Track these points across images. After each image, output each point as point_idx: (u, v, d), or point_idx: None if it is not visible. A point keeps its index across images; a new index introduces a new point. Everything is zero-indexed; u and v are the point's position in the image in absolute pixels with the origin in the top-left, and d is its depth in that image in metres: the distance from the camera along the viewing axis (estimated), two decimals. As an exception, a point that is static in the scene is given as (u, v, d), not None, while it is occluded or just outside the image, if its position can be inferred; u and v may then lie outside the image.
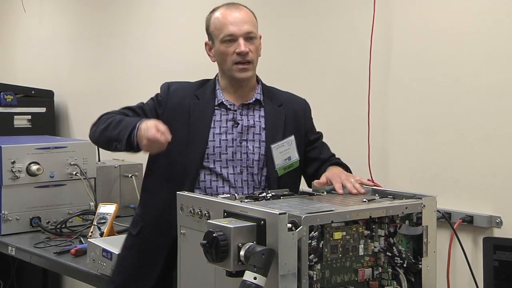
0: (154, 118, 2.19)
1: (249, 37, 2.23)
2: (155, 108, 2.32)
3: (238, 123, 2.27)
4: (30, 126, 4.49)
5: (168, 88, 2.35)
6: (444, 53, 2.58)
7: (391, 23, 2.75)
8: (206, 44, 2.34)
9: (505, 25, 2.40)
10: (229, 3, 2.31)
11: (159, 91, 2.37)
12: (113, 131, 2.21)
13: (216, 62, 2.32)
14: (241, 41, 2.21)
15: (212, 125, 2.26)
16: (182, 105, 2.27)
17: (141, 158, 3.65)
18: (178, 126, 2.22)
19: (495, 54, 2.43)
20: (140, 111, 2.33)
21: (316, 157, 2.36)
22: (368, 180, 2.18)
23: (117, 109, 2.37)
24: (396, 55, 2.75)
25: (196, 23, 3.66)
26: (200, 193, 2.19)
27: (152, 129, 2.05)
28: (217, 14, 2.28)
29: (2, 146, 3.21)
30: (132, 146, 2.14)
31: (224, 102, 2.29)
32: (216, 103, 2.29)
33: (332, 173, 2.17)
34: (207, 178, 2.24)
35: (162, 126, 2.06)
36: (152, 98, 2.37)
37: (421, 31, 2.66)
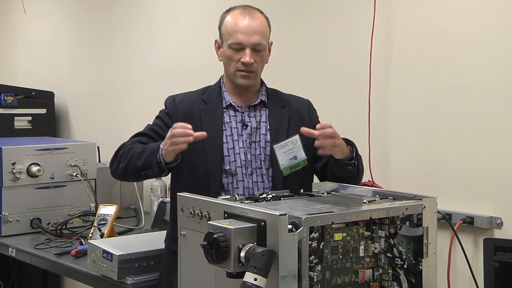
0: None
1: (257, 49, 2.24)
2: (165, 123, 2.32)
3: (247, 125, 2.29)
4: (31, 127, 4.49)
5: (173, 100, 2.37)
6: (444, 53, 2.58)
7: (391, 24, 2.75)
8: (216, 41, 2.35)
9: (505, 25, 2.40)
10: (245, 7, 2.30)
11: (163, 107, 2.38)
12: (138, 162, 2.22)
13: (222, 62, 2.34)
14: (248, 51, 2.22)
15: (223, 127, 2.28)
16: (192, 112, 2.29)
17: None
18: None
19: (495, 55, 2.43)
20: (152, 133, 2.34)
21: (323, 155, 2.34)
22: (369, 181, 2.18)
23: (130, 140, 2.36)
24: (397, 55, 2.75)
25: (196, 25, 3.68)
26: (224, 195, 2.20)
27: (168, 134, 2.11)
28: (230, 17, 2.28)
29: (2, 147, 3.21)
30: (161, 167, 2.17)
31: (233, 104, 2.31)
32: (224, 105, 2.31)
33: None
34: (223, 181, 2.25)
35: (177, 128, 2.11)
36: (158, 117, 2.38)
37: (421, 31, 2.66)
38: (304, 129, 2.14)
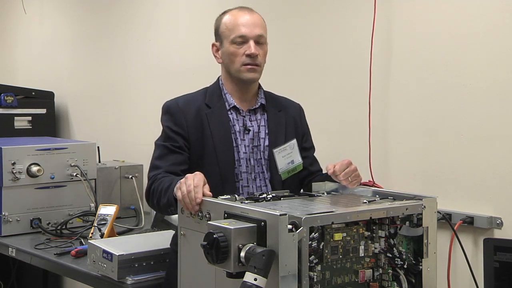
0: (185, 136, 2.21)
1: (260, 41, 2.25)
2: (178, 132, 2.24)
3: (249, 130, 2.29)
4: (31, 127, 4.49)
5: (177, 104, 2.30)
6: (444, 54, 2.58)
7: (391, 24, 2.75)
8: (213, 45, 2.34)
9: (505, 25, 2.40)
10: (241, 6, 2.32)
11: (165, 114, 2.30)
12: (164, 199, 2.09)
13: (221, 64, 2.33)
14: (252, 43, 2.22)
15: (231, 131, 2.27)
16: (199, 117, 2.26)
17: (142, 159, 3.67)
18: (202, 138, 2.23)
19: (495, 55, 2.43)
20: (173, 151, 2.24)
21: (305, 166, 2.35)
22: (369, 181, 2.18)
23: (157, 171, 2.22)
24: (397, 55, 2.75)
25: (196, 25, 3.69)
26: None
27: (180, 188, 1.92)
28: (229, 15, 2.29)
29: (2, 147, 3.20)
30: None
31: (237, 106, 2.30)
32: (228, 107, 2.30)
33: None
34: (236, 185, 2.24)
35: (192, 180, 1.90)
36: (168, 127, 2.27)
37: (421, 31, 2.66)
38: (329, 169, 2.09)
